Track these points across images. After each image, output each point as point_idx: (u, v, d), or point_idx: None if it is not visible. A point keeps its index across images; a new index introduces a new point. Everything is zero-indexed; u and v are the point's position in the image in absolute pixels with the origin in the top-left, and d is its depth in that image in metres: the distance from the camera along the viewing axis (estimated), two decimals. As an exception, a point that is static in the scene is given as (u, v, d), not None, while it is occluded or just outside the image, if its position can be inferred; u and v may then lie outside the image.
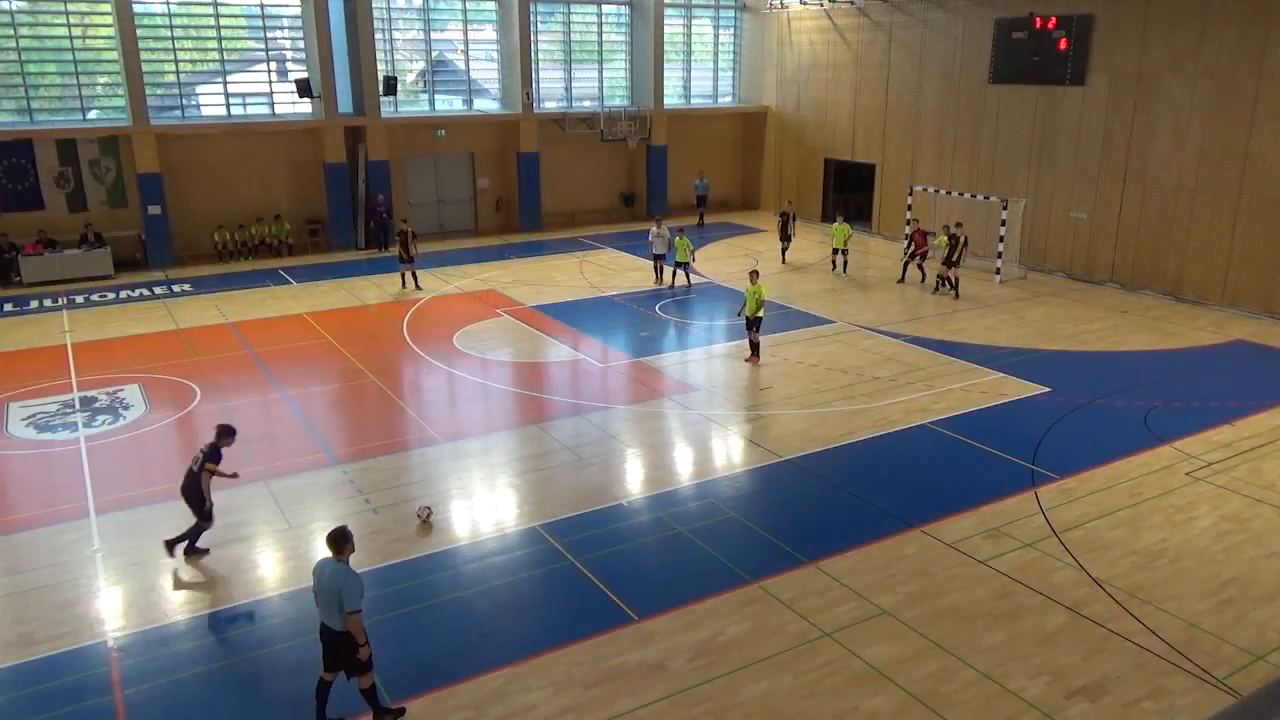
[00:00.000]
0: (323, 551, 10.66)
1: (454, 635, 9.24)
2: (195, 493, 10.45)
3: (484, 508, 11.93)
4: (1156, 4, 21.03)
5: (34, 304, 21.80)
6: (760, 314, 16.92)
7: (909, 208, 25.65)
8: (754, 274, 17.27)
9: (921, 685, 8.39)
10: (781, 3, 31.28)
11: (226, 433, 10.62)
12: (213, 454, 10.49)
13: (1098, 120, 22.51)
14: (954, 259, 21.62)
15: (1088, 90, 22.56)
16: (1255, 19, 19.40)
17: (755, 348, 17.14)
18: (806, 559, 10.45)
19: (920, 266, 23.01)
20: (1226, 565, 10.34)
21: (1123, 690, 8.32)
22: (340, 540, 7.76)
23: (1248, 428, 14.10)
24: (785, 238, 25.37)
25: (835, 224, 24.07)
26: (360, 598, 7.59)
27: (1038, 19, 23.08)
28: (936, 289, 22.10)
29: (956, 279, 21.78)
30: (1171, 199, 21.39)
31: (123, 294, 22.62)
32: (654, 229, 22.81)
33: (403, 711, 8.05)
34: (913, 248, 23.01)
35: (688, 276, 22.74)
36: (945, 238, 21.84)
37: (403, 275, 22.91)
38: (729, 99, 34.43)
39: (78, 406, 15.21)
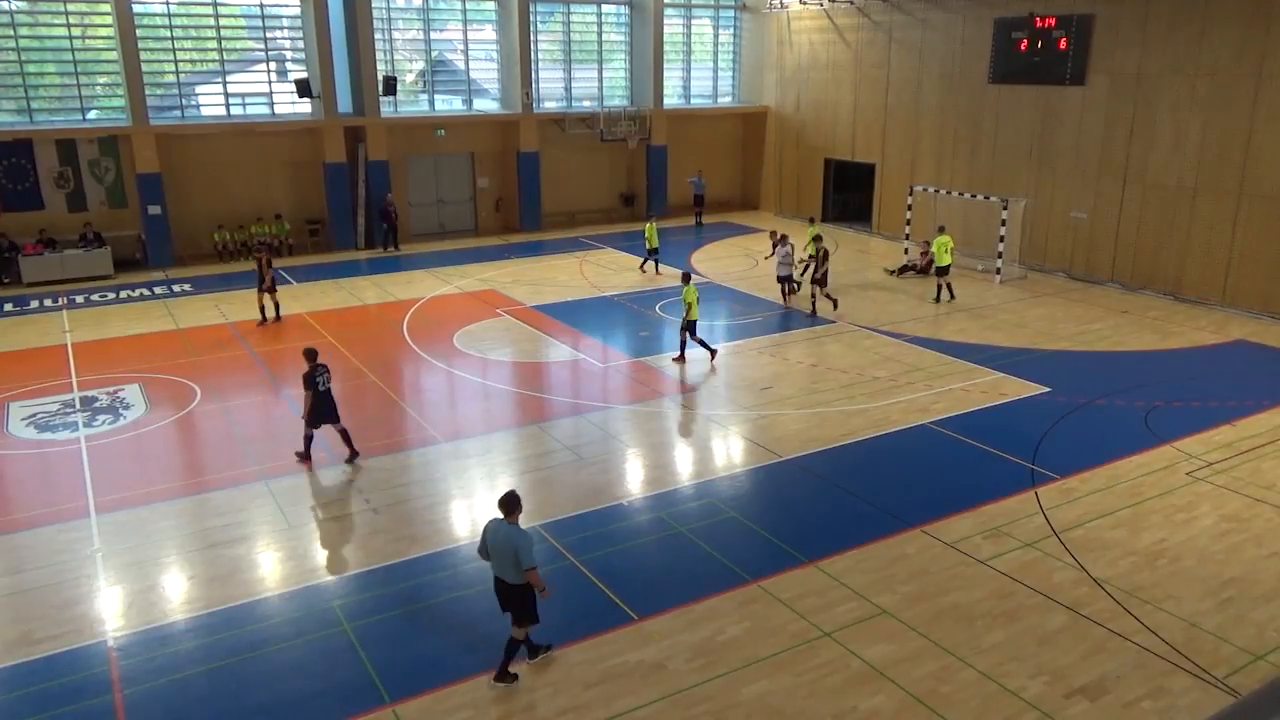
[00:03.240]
0: (325, 552, 10.84)
1: (454, 635, 9.26)
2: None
3: (484, 508, 11.92)
4: (1156, 4, 21.01)
5: (34, 304, 21.81)
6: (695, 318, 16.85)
7: (909, 208, 25.65)
8: (686, 275, 17.29)
9: (921, 685, 8.40)
10: (781, 2, 31.26)
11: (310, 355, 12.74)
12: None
13: (1098, 120, 22.50)
14: (817, 274, 19.96)
15: (1088, 90, 22.55)
16: (1255, 19, 19.39)
17: (684, 349, 17.13)
18: (806, 559, 10.45)
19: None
20: (1226, 565, 10.34)
21: (1123, 690, 8.33)
22: (510, 504, 8.30)
23: (1248, 428, 14.11)
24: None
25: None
26: (533, 553, 8.25)
27: (1038, 19, 23.07)
28: (938, 298, 21.30)
29: (815, 290, 20.06)
30: (1171, 199, 21.38)
31: (123, 294, 22.63)
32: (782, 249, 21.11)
33: (516, 677, 8.53)
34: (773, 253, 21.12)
35: (656, 266, 24.09)
36: (945, 239, 21.36)
37: (261, 304, 19.78)
38: (729, 99, 34.42)
39: (78, 406, 15.22)
